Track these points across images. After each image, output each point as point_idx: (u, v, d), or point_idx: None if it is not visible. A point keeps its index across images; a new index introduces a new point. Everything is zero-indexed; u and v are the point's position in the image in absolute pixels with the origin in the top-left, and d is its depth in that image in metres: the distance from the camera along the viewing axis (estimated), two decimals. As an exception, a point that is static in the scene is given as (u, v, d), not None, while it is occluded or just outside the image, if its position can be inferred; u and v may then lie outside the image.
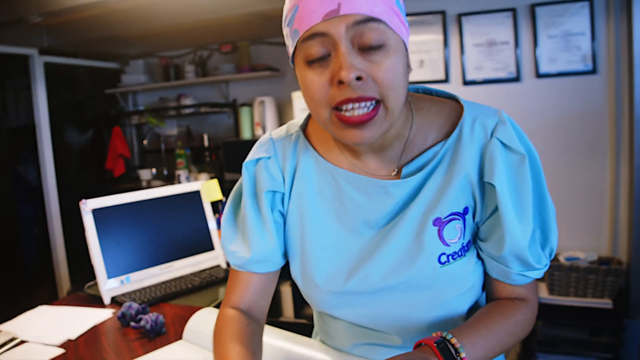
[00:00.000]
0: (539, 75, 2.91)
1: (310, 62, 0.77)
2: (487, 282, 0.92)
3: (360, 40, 0.74)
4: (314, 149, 0.95)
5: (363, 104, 0.75)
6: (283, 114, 4.12)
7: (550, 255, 0.87)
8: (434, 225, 0.85)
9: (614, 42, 2.76)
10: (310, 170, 0.94)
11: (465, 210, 0.86)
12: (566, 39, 2.85)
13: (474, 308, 0.93)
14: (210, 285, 1.80)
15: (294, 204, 0.95)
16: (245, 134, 4.01)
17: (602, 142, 2.85)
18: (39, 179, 3.94)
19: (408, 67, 0.81)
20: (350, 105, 0.75)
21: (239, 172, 3.82)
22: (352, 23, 0.73)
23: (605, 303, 2.55)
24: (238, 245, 0.97)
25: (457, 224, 0.86)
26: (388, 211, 0.88)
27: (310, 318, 1.98)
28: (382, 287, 0.88)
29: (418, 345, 0.77)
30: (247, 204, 0.96)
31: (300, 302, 3.32)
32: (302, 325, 1.80)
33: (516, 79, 2.96)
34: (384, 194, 0.88)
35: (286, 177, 0.95)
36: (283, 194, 0.96)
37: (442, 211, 0.85)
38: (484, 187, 0.85)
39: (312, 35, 0.75)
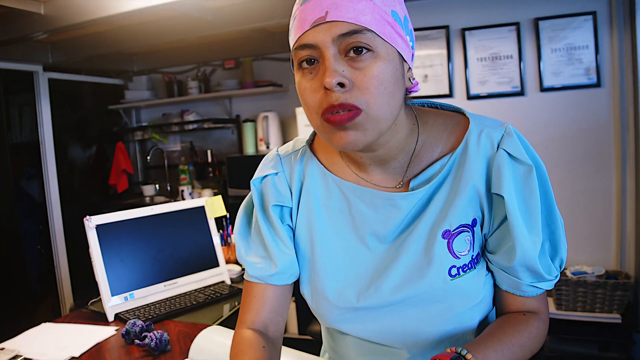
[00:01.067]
0: (543, 89, 2.91)
1: (303, 69, 0.80)
2: (498, 296, 0.92)
3: (346, 47, 0.76)
4: (321, 163, 0.96)
5: (347, 110, 0.76)
6: (287, 130, 4.12)
7: (560, 267, 0.87)
8: (443, 237, 0.85)
9: (617, 55, 2.75)
10: (317, 184, 0.95)
11: (474, 222, 0.86)
12: (570, 53, 2.85)
13: (484, 322, 0.93)
14: (215, 302, 1.78)
15: (302, 218, 0.95)
16: (249, 150, 4.01)
17: (608, 155, 2.83)
18: (43, 194, 3.94)
19: (407, 79, 0.83)
20: (334, 112, 0.77)
21: (243, 187, 3.79)
22: (338, 36, 0.75)
23: (614, 318, 2.52)
24: (258, 258, 0.97)
25: (466, 236, 0.86)
26: (396, 224, 0.89)
27: (315, 334, 1.96)
28: (393, 301, 0.88)
29: None
30: (259, 220, 0.96)
31: (304, 318, 3.29)
32: (307, 342, 1.77)
33: (520, 92, 2.95)
34: (391, 207, 0.88)
35: (293, 192, 0.96)
36: (291, 208, 0.97)
37: (450, 223, 0.85)
38: (492, 198, 0.85)
39: (302, 46, 0.78)
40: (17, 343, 1.45)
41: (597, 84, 2.80)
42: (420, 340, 0.90)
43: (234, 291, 1.84)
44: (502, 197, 0.82)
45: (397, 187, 0.90)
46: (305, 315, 3.21)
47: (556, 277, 0.87)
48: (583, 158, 2.88)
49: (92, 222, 1.67)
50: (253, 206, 1.00)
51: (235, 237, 1.02)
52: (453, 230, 0.85)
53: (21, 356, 1.36)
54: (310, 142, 1.00)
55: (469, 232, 0.86)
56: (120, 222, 1.75)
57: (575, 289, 2.59)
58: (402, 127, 0.86)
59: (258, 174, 0.99)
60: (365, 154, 0.87)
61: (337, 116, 0.76)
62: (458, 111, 0.93)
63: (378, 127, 0.79)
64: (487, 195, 0.85)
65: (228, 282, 1.94)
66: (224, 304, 1.77)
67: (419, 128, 0.90)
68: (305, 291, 0.97)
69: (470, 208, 0.86)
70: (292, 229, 0.97)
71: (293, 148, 0.99)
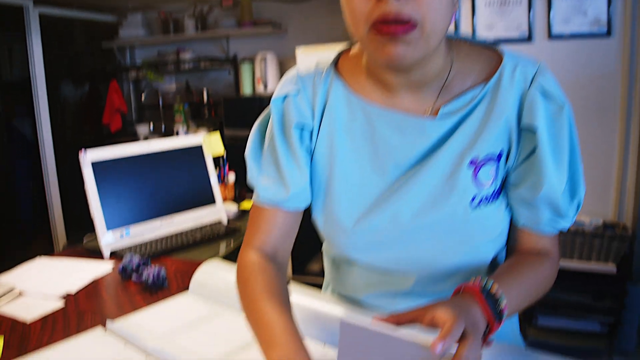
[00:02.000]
0: (551, 37, 2.83)
1: None
2: (512, 233, 0.91)
3: None
4: (346, 85, 0.91)
5: (402, 23, 0.72)
6: (285, 71, 4.03)
7: (577, 208, 0.87)
8: (470, 165, 0.84)
9: (630, 4, 2.67)
10: (341, 107, 0.90)
11: (500, 154, 0.85)
12: (580, 0, 2.76)
13: (495, 259, 0.93)
14: (212, 240, 1.76)
15: (322, 141, 0.91)
16: (246, 90, 3.94)
17: (613, 106, 2.78)
18: (35, 133, 3.87)
19: (456, 1, 0.79)
20: (387, 22, 0.73)
21: (239, 128, 3.73)
22: None
23: (609, 268, 2.53)
24: (270, 181, 0.93)
25: (491, 167, 0.84)
26: (421, 151, 0.86)
27: (312, 273, 1.95)
28: (412, 228, 0.86)
29: (457, 292, 0.74)
30: (277, 141, 0.92)
31: (301, 259, 3.29)
32: (301, 283, 1.77)
33: (528, 39, 2.87)
34: (418, 133, 0.85)
35: (315, 113, 0.92)
36: (311, 130, 0.92)
37: (478, 152, 0.83)
38: (521, 132, 0.84)
39: None
40: (12, 277, 1.43)
41: (608, 34, 2.72)
42: (433, 269, 0.90)
43: (231, 230, 1.82)
44: (531, 131, 0.81)
45: (426, 113, 0.86)
46: (302, 256, 3.21)
47: (573, 217, 0.87)
48: (588, 108, 2.83)
49: (87, 157, 1.63)
50: (267, 126, 0.96)
51: (247, 158, 0.97)
52: (480, 160, 0.84)
53: (16, 290, 1.33)
54: (335, 63, 0.95)
55: (494, 163, 0.85)
56: (115, 160, 1.70)
57: (572, 238, 2.60)
58: (441, 52, 0.83)
59: (279, 92, 0.94)
60: (399, 76, 0.84)
61: (390, 27, 0.72)
62: (491, 46, 0.90)
63: (427, 44, 0.75)
64: (516, 129, 0.84)
65: (225, 221, 1.91)
66: (221, 242, 1.75)
67: (454, 57, 0.87)
68: (318, 217, 0.94)
69: (499, 139, 0.84)
70: (311, 152, 0.94)
71: (316, 68, 0.94)
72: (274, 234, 0.93)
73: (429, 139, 0.85)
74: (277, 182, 0.92)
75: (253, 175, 0.96)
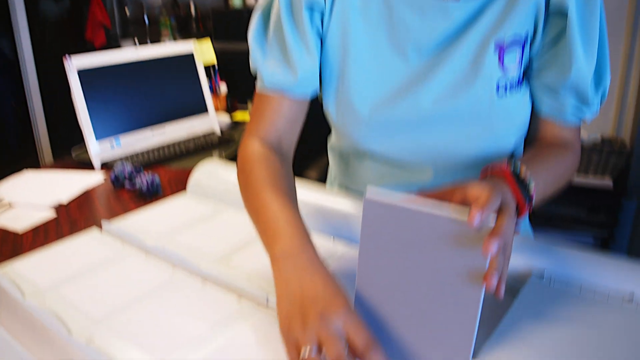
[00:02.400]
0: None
1: None
2: (534, 124, 0.88)
3: None
4: None
5: None
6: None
7: (602, 98, 0.83)
8: (496, 47, 0.79)
9: None
10: None
11: (526, 36, 0.80)
12: None
13: (513, 153, 0.91)
14: (205, 150, 1.72)
15: (335, 24, 0.84)
16: (235, 2, 3.78)
17: (619, 19, 2.69)
18: (15, 51, 3.71)
19: None
20: None
21: (229, 40, 3.59)
22: None
23: (606, 182, 2.53)
24: (276, 65, 0.86)
25: (517, 51, 0.80)
26: (442, 34, 0.80)
27: (313, 180, 1.92)
28: (433, 115, 0.82)
29: (484, 175, 0.70)
30: (284, 23, 0.84)
31: (297, 165, 3.27)
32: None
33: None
34: (441, 15, 0.79)
35: None
36: (322, 12, 0.85)
37: (505, 35, 0.79)
38: (549, 15, 0.79)
39: None
40: (0, 190, 1.37)
41: (616, -63, 2.59)
42: (450, 159, 0.86)
43: (224, 140, 1.78)
44: (561, 13, 0.76)
45: None
46: (299, 162, 3.19)
47: (597, 105, 0.83)
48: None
49: (72, 64, 1.54)
50: (270, 8, 0.88)
51: (250, 42, 0.90)
52: (506, 43, 0.79)
53: (5, 201, 1.28)
54: None
55: (519, 47, 0.80)
56: (102, 68, 1.62)
57: (571, 153, 2.57)
58: None
59: None
60: None
61: None
62: None
63: None
64: (544, 11, 0.78)
65: (218, 132, 1.85)
66: (214, 152, 1.71)
67: None
68: (330, 106, 0.89)
69: (526, 21, 0.79)
70: (322, 35, 0.87)
71: None
72: (279, 122, 0.87)
73: (452, 21, 0.79)
74: (284, 66, 0.85)
75: (257, 60, 0.88)
